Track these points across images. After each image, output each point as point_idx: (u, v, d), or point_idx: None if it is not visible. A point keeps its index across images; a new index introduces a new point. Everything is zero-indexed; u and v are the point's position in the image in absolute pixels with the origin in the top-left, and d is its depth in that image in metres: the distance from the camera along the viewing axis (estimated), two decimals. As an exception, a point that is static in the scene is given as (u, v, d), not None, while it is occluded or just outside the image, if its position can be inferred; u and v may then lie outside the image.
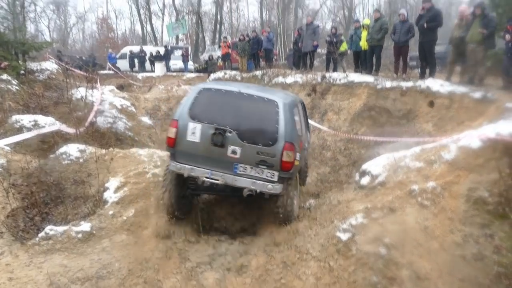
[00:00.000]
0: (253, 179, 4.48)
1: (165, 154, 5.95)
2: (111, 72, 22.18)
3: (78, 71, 13.53)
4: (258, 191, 4.47)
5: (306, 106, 10.03)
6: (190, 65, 23.67)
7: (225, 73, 15.29)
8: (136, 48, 24.60)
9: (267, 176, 4.48)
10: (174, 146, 4.62)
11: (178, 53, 24.78)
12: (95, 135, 7.53)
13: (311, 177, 6.87)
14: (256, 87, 5.19)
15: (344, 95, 9.43)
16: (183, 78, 21.03)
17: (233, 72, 14.95)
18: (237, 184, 4.48)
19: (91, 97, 8.90)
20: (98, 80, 9.99)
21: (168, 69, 23.06)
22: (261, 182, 4.47)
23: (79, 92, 8.88)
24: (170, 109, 14.35)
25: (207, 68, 19.14)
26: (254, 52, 14.91)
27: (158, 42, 43.78)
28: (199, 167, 4.54)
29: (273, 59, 15.16)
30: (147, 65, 23.77)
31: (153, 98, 15.79)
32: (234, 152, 4.49)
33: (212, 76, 16.15)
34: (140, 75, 22.09)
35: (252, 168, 4.49)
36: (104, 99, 9.97)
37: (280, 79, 11.41)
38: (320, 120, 9.29)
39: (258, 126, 4.52)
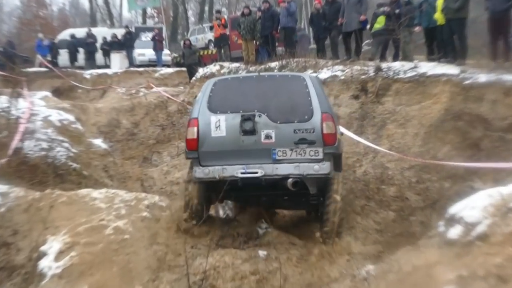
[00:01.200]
0: (296, 163, 5.87)
1: (131, 196, 6.08)
2: (43, 69, 22.72)
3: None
4: (304, 174, 5.83)
5: (353, 113, 10.16)
6: (166, 55, 24.15)
7: (220, 67, 15.60)
8: (80, 32, 25.27)
9: (310, 155, 5.88)
10: (198, 148, 6.03)
11: (146, 37, 25.41)
12: (23, 169, 7.65)
13: (364, 226, 6.86)
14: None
15: (413, 96, 9.49)
16: (155, 75, 21.52)
17: (234, 65, 15.25)
18: (279, 172, 5.84)
19: (15, 110, 9.13)
20: (24, 84, 10.26)
21: (132, 62, 23.62)
22: (305, 164, 5.86)
23: None
24: (136, 124, 14.63)
25: (184, 60, 19.43)
26: (267, 33, 15.20)
27: (115, 21, 44.87)
28: (231, 165, 5.91)
29: (296, 43, 15.40)
30: (99, 57, 24.40)
31: (109, 108, 16.12)
32: (268, 136, 5.95)
33: (200, 72, 16.48)
34: (88, 73, 22.59)
35: (291, 150, 5.92)
36: (36, 113, 10.21)
37: (308, 73, 11.57)
38: (375, 136, 9.33)
39: (289, 102, 6.04)
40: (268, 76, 6.58)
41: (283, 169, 5.90)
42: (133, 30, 25.25)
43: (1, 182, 6.32)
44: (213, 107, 6.16)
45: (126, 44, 23.58)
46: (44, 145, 8.78)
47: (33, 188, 6.51)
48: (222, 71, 15.27)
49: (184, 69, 20.15)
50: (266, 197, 6.52)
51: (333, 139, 5.97)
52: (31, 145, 8.59)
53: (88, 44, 23.99)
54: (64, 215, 5.71)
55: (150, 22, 42.77)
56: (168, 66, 23.48)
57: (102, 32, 25.26)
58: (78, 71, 23.43)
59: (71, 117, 11.62)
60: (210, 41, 23.52)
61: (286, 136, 5.95)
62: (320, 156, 5.92)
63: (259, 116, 6.03)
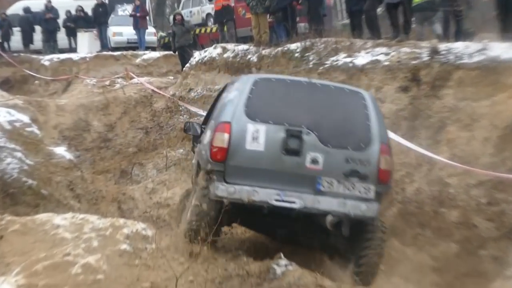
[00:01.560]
0: (342, 198, 6.31)
1: (106, 223, 6.09)
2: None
3: None
4: (351, 213, 6.28)
5: (401, 111, 10.13)
6: (150, 34, 24.27)
7: (223, 50, 15.67)
8: (37, 4, 25.29)
9: (360, 193, 6.33)
10: (226, 160, 6.30)
11: (124, 11, 25.58)
12: (-40, 187, 7.77)
13: (417, 263, 6.89)
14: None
15: (481, 88, 9.43)
16: (136, 61, 21.64)
17: (241, 47, 15.32)
18: (321, 206, 6.26)
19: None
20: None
21: (105, 44, 23.84)
22: (352, 201, 6.29)
23: None
24: (111, 127, 14.70)
25: (175, 41, 19.37)
26: (285, 4, 15.22)
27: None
28: (264, 187, 6.29)
29: (325, 17, 15.41)
30: (61, 37, 24.68)
31: (75, 105, 16.22)
32: (315, 161, 6.32)
33: (196, 57, 16.56)
34: (47, 59, 22.82)
35: (339, 182, 6.33)
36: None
37: (341, 58, 11.57)
38: (431, 141, 9.28)
39: (344, 123, 6.53)
40: (321, 85, 7.00)
41: (326, 204, 6.28)
42: (106, 1, 25.25)
43: None
44: (252, 113, 6.41)
45: (97, 20, 23.75)
46: (-11, 154, 8.88)
47: (-26, 213, 6.57)
48: (225, 56, 15.33)
49: (174, 53, 20.21)
50: (287, 230, 7.05)
51: (388, 176, 6.51)
52: (-29, 155, 8.69)
53: (47, 20, 24.08)
54: (17, 248, 5.73)
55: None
56: (153, 49, 23.62)
57: (65, 5, 25.13)
58: (34, 56, 23.59)
59: (25, 118, 11.72)
60: (209, 15, 23.62)
61: (336, 164, 6.32)
62: (371, 195, 6.35)
63: (308, 134, 6.34)
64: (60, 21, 24.17)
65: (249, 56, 14.62)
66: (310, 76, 10.99)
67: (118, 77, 19.49)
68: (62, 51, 24.26)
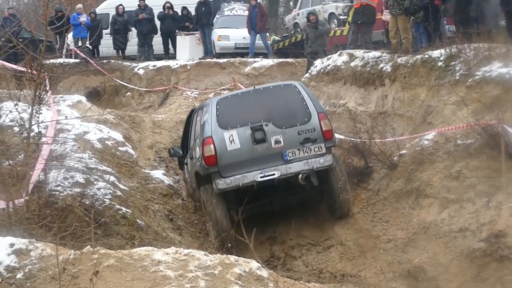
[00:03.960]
0: (305, 160, 10.61)
1: (214, 260, 6.18)
2: (71, 60, 23.46)
3: (8, 65, 14.58)
4: (314, 168, 10.59)
5: None
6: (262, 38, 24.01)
7: (350, 57, 15.69)
8: (130, 2, 25.44)
9: (315, 151, 10.64)
10: (217, 163, 10.37)
11: (231, 10, 25.82)
12: (48, 215, 7.93)
13: None
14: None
15: None
16: (246, 70, 21.43)
17: (372, 54, 15.30)
18: (292, 170, 10.55)
19: (37, 124, 9.34)
20: (47, 83, 10.55)
21: (208, 50, 23.92)
22: (312, 159, 10.61)
23: (9, 113, 9.32)
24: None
25: (306, 46, 19.36)
26: (425, 3, 14.90)
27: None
28: (249, 172, 10.47)
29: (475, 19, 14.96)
30: (158, 40, 24.99)
31: (174, 121, 16.46)
32: (277, 141, 10.58)
33: (318, 65, 16.46)
34: (141, 66, 23.24)
35: (299, 150, 10.64)
36: (65, 128, 10.57)
37: (495, 68, 11.18)
38: None
39: (288, 109, 10.86)
40: (263, 88, 11.75)
41: (295, 167, 10.67)
42: (210, -1, 25.51)
43: (16, 234, 6.59)
44: (224, 124, 10.65)
45: (200, 21, 23.91)
46: (79, 178, 9.08)
47: (64, 244, 6.74)
48: (352, 64, 15.29)
49: (290, 60, 20.21)
50: (278, 198, 11.24)
51: (331, 133, 10.98)
52: (59, 177, 8.90)
53: (141, 21, 24.40)
54: (112, 286, 5.81)
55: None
56: (265, 55, 23.61)
57: (162, 3, 25.41)
58: (126, 63, 23.91)
59: (117, 136, 12.01)
60: (332, 15, 23.47)
61: (292, 138, 10.73)
62: (324, 150, 10.80)
63: (266, 125, 10.68)
64: (157, 22, 24.57)
65: (381, 65, 14.47)
66: (457, 91, 11.22)
67: (223, 89, 19.59)
68: (157, 57, 24.73)
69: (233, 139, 10.44)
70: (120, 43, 25.28)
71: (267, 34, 24.67)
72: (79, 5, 26.23)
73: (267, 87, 11.67)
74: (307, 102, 10.89)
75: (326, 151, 10.73)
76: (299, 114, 10.80)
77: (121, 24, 25.07)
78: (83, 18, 24.44)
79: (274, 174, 10.45)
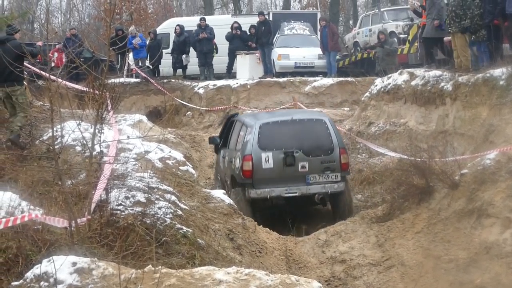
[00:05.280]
0: (323, 184, 13.37)
1: (275, 280, 6.16)
2: (132, 79, 24.00)
3: (71, 84, 14.82)
4: (329, 192, 13.37)
5: None
6: (322, 57, 24.03)
7: (411, 76, 15.71)
8: (190, 21, 26.27)
9: (332, 179, 13.34)
10: (252, 176, 13.15)
11: (291, 29, 25.77)
12: (109, 234, 8.06)
13: None
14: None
15: None
16: (306, 89, 21.44)
17: (433, 73, 15.30)
18: (311, 191, 13.39)
19: (99, 143, 9.43)
20: (109, 103, 10.67)
21: (268, 69, 24.11)
22: (329, 184, 13.34)
23: (72, 133, 9.45)
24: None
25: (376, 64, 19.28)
26: (486, 23, 14.76)
27: (241, 4, 46.24)
28: (277, 187, 13.23)
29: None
30: (218, 60, 25.27)
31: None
32: (303, 167, 13.25)
33: (378, 84, 16.40)
34: (201, 86, 23.47)
35: (319, 175, 13.36)
36: (126, 147, 10.69)
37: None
38: None
39: (317, 141, 13.55)
40: (299, 120, 13.81)
41: (314, 189, 13.30)
42: (270, 18, 25.84)
43: (79, 253, 6.69)
44: (262, 146, 13.16)
45: (259, 40, 24.20)
46: (140, 197, 9.13)
47: (125, 263, 6.80)
48: (413, 83, 15.22)
49: (350, 79, 20.24)
50: (292, 207, 13.81)
51: (347, 166, 13.61)
52: (120, 197, 8.97)
53: (201, 41, 24.70)
54: (174, 305, 5.81)
55: (296, 6, 43.75)
56: (325, 74, 23.69)
57: (222, 22, 26.01)
58: (186, 83, 24.21)
59: (178, 155, 12.08)
60: (392, 34, 23.36)
61: (316, 166, 13.26)
62: (339, 179, 13.33)
63: (297, 152, 13.14)
64: (217, 41, 24.85)
65: (442, 84, 14.42)
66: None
67: (284, 108, 19.58)
68: (217, 77, 25.00)
69: (268, 160, 13.05)
70: (176, 63, 25.70)
71: (337, 53, 24.68)
72: (132, 28, 26.88)
73: (303, 120, 13.93)
74: (332, 137, 13.39)
75: (341, 179, 13.38)
76: (325, 146, 13.34)
77: (175, 45, 25.52)
78: (137, 41, 24.88)
79: (296, 192, 13.28)
